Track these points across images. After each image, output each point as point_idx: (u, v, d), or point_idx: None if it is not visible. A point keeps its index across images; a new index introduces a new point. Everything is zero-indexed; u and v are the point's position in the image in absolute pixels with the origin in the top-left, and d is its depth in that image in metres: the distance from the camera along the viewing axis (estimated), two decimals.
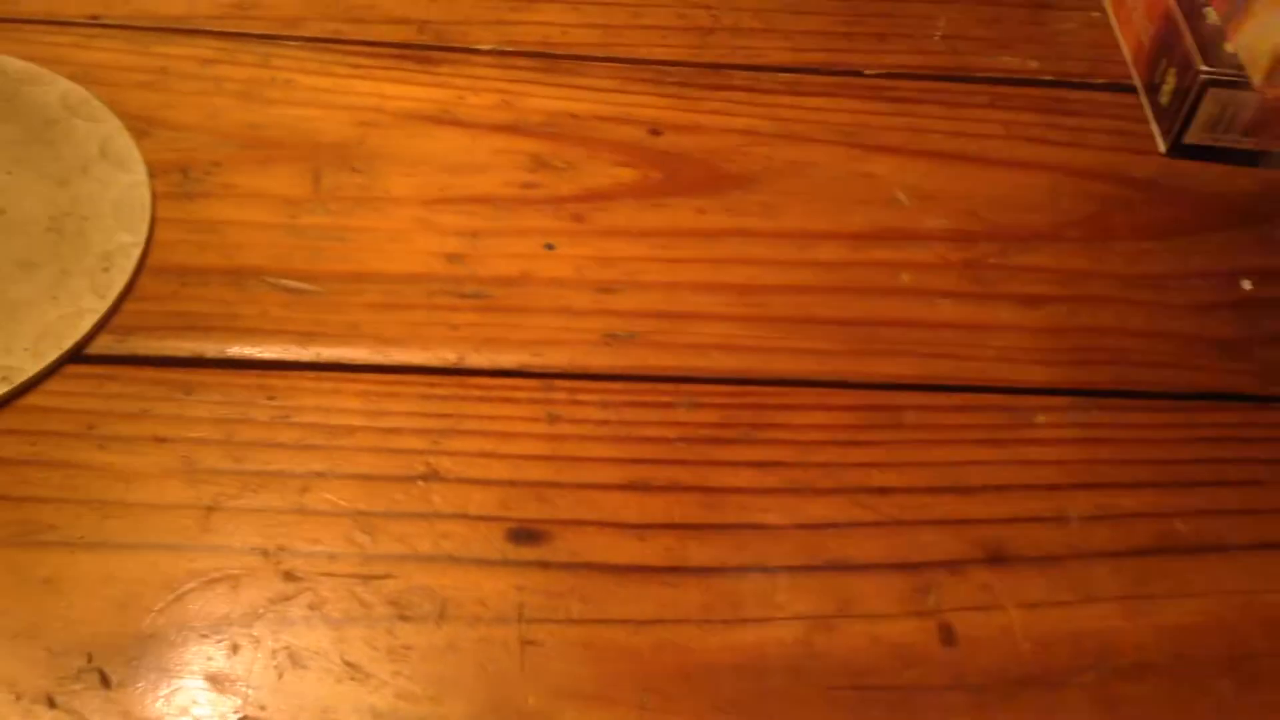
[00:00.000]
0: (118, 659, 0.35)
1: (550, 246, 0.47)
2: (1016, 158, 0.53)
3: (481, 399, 0.42)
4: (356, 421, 0.41)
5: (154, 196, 0.46)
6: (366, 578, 0.37)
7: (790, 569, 0.39)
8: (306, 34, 0.53)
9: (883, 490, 0.41)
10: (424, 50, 0.53)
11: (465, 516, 0.39)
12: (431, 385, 0.42)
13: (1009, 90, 0.56)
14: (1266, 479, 0.43)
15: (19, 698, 0.34)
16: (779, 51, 0.56)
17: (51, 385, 0.40)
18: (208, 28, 0.52)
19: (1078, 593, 0.39)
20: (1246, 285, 0.48)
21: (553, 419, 0.42)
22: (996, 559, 0.40)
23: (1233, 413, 0.44)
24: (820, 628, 0.38)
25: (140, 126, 0.48)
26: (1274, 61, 0.49)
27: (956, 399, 0.44)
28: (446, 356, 0.43)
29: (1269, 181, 0.52)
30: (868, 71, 0.56)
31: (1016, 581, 0.39)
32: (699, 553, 0.39)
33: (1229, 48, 0.51)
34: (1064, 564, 0.40)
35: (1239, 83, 0.51)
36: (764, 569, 0.39)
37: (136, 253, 0.43)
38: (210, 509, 0.38)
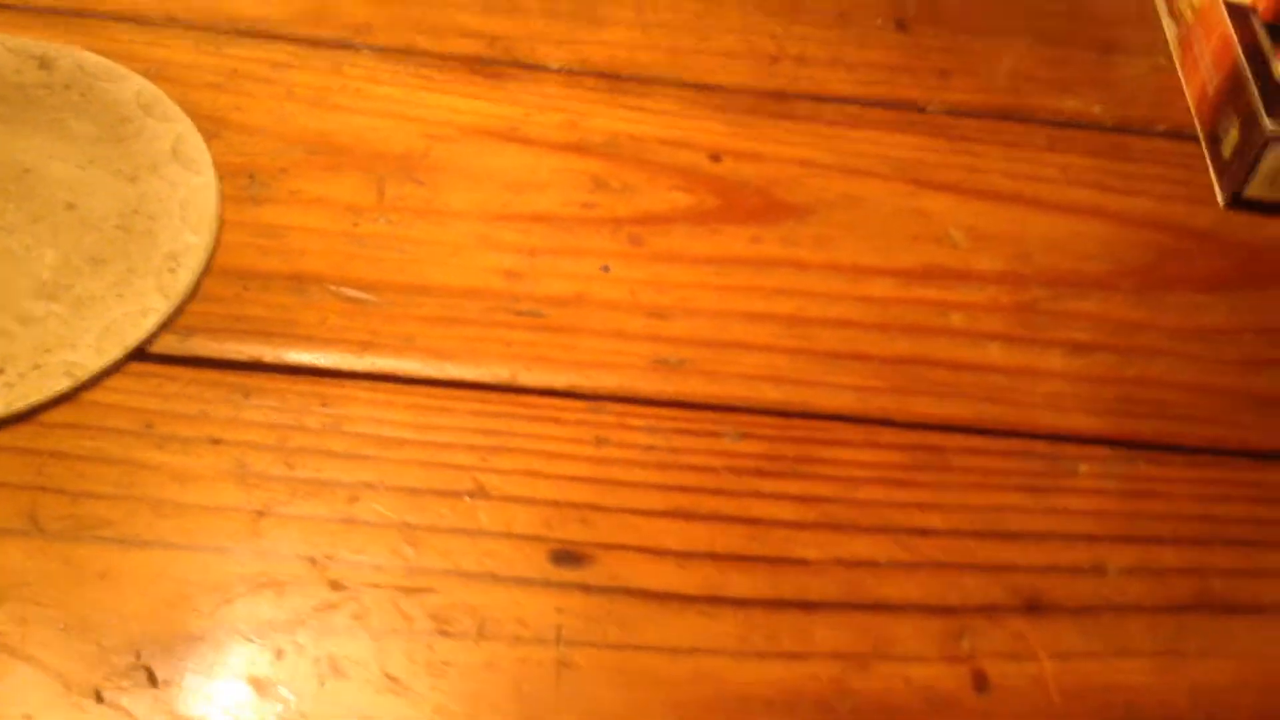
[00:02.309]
0: (165, 658, 0.36)
1: (606, 268, 0.47)
2: (1073, 202, 0.53)
3: (531, 418, 0.42)
4: (407, 434, 0.41)
5: (221, 198, 0.46)
6: (410, 590, 0.38)
7: (828, 605, 0.39)
8: (378, 43, 0.53)
9: (924, 531, 0.41)
10: (494, 65, 0.54)
11: (509, 535, 0.39)
12: (483, 401, 0.43)
13: (1070, 133, 0.56)
14: None
15: (69, 689, 0.35)
16: (842, 83, 0.56)
17: (113, 382, 0.41)
18: (281, 31, 0.53)
19: (1111, 646, 0.39)
20: None
21: (600, 442, 0.42)
22: (1033, 607, 0.40)
23: (1276, 473, 0.44)
24: (855, 667, 0.38)
25: (210, 128, 0.49)
26: None
27: (1001, 444, 0.44)
28: (499, 373, 0.43)
29: None
30: (929, 108, 0.56)
31: (1051, 631, 0.39)
32: (738, 583, 0.39)
33: None
34: (1099, 615, 0.40)
35: None
36: (802, 604, 0.39)
37: (202, 254, 0.44)
38: (260, 514, 0.39)
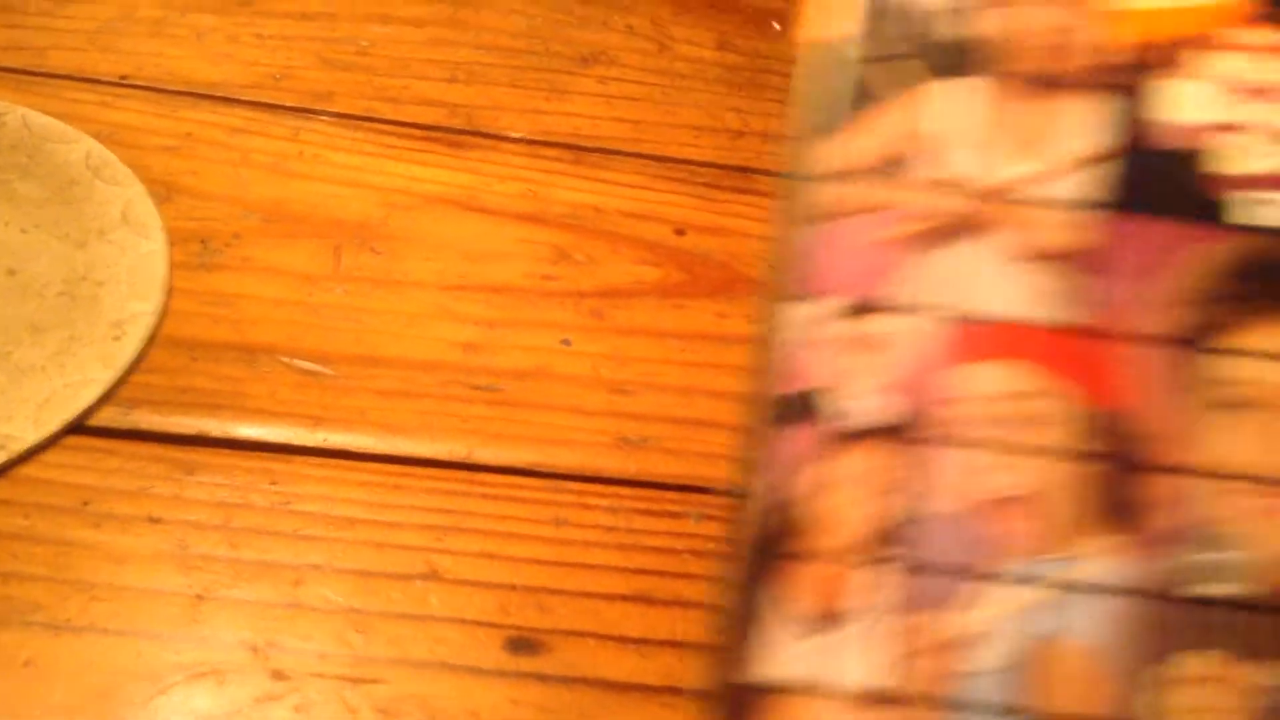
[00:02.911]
0: None
1: (567, 342, 0.46)
2: None
3: (488, 496, 0.41)
4: (358, 513, 0.40)
5: (171, 265, 0.45)
6: (356, 681, 0.36)
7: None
8: (338, 109, 0.52)
9: None
10: (455, 134, 0.53)
11: (463, 621, 0.38)
12: (437, 479, 0.41)
13: None
14: None
15: None
16: None
17: (50, 456, 0.39)
18: (238, 96, 0.52)
19: None
20: None
21: (559, 522, 0.41)
22: None
23: None
24: None
25: (162, 192, 0.48)
26: None
27: None
28: (455, 450, 0.42)
29: None
30: None
31: None
32: (701, 673, 0.38)
33: None
34: None
35: None
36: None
37: (149, 323, 0.43)
38: (201, 597, 0.37)
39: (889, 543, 0.23)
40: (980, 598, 0.24)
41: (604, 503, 0.42)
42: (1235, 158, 0.25)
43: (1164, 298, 0.24)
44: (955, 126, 0.25)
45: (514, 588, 0.39)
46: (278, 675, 0.36)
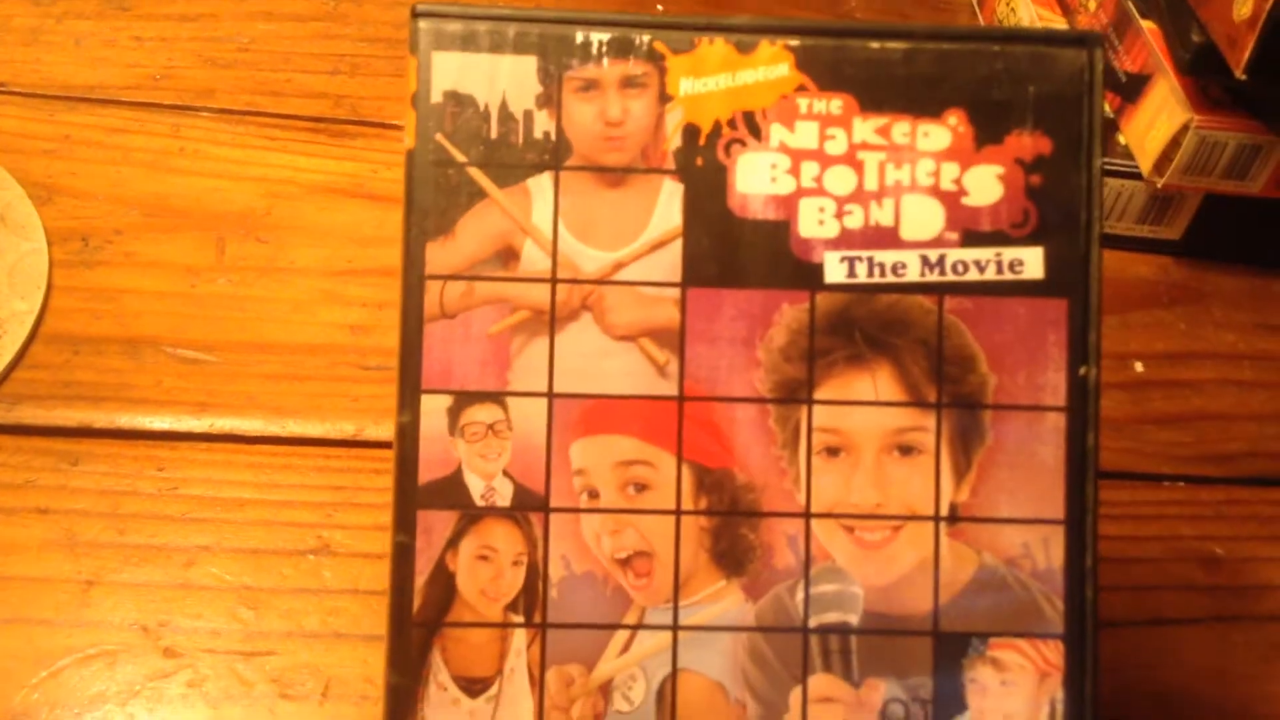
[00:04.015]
0: None
1: None
2: None
3: (378, 471, 0.41)
4: (248, 494, 0.40)
5: (51, 264, 0.45)
6: (250, 654, 0.36)
7: None
8: (219, 105, 0.53)
9: None
10: (339, 124, 0.53)
11: (355, 591, 0.38)
12: (327, 457, 0.42)
13: None
14: (1155, 557, 0.43)
15: None
16: None
17: None
18: (117, 98, 0.52)
19: None
20: (1138, 368, 0.49)
21: None
22: None
23: (1124, 491, 0.45)
24: None
25: (42, 194, 0.48)
26: (1160, 152, 0.50)
27: None
28: (345, 429, 0.42)
29: (1162, 267, 0.54)
30: None
31: None
32: None
33: (1121, 139, 0.53)
34: None
35: (1130, 173, 0.52)
36: None
37: (30, 320, 0.43)
38: (90, 583, 0.37)
39: (531, 607, 0.26)
40: (616, 646, 0.28)
41: None
42: (816, 221, 0.28)
43: (761, 360, 0.28)
44: (548, 220, 0.28)
45: None
46: (169, 653, 0.36)
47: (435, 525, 0.28)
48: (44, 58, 0.53)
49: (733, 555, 0.28)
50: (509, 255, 0.28)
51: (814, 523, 0.28)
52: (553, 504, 0.28)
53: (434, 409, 0.28)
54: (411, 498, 0.28)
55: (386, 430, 0.42)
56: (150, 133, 0.51)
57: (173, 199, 0.49)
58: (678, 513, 0.28)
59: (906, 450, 0.28)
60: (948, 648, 0.28)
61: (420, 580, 0.28)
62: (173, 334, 0.44)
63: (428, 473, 0.28)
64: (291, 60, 0.56)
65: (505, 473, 0.28)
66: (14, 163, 0.49)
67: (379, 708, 0.35)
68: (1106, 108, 0.54)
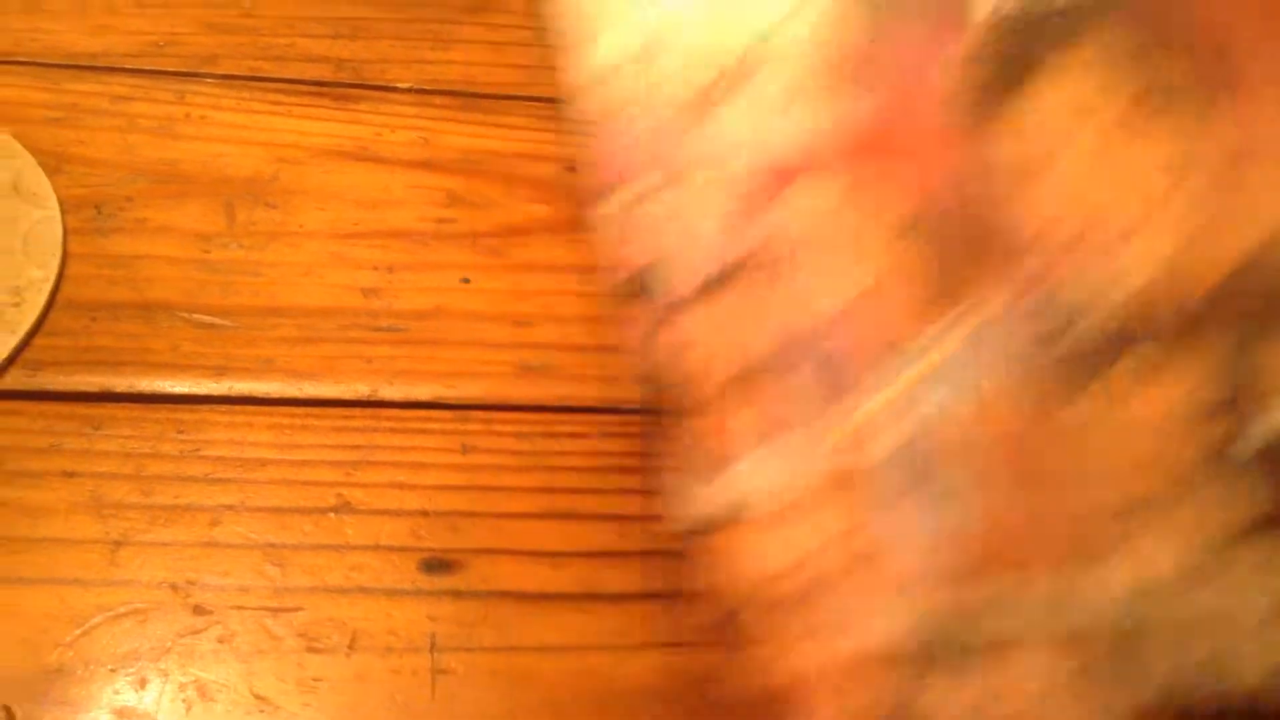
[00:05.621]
0: (25, 695, 0.34)
1: (466, 280, 0.47)
2: None
3: (395, 430, 0.42)
4: (268, 454, 0.41)
5: (66, 231, 0.45)
6: (276, 610, 0.37)
7: (702, 593, 0.40)
8: (223, 71, 0.53)
9: None
10: (343, 88, 0.54)
11: (377, 547, 0.39)
12: (345, 418, 0.42)
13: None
14: None
15: None
16: None
17: None
18: (121, 65, 0.52)
19: None
20: None
21: (467, 450, 0.42)
22: None
23: None
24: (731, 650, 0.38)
25: (52, 163, 0.48)
26: None
27: None
28: (360, 389, 0.43)
29: None
30: None
31: None
32: (612, 579, 0.39)
33: None
34: None
35: None
36: (676, 594, 0.39)
37: (47, 288, 0.43)
38: (119, 543, 0.38)
39: (766, 371, 0.24)
40: (867, 391, 0.24)
41: (510, 428, 0.43)
42: None
43: (939, 85, 0.24)
44: (688, 6, 0.25)
45: (426, 513, 0.40)
46: (199, 610, 0.37)
47: (644, 316, 0.22)
48: (45, 25, 0.53)
49: (970, 275, 0.23)
50: (656, 47, 0.23)
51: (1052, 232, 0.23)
52: (760, 270, 0.22)
53: (619, 203, 0.23)
54: (618, 295, 0.22)
55: (401, 390, 0.43)
56: (155, 100, 0.51)
57: (181, 165, 0.49)
58: (899, 242, 0.23)
59: None
60: None
61: (646, 373, 0.22)
62: (188, 299, 0.44)
63: (625, 267, 0.22)
64: (293, 25, 0.56)
65: (703, 250, 0.22)
66: (21, 131, 0.49)
67: (403, 659, 0.37)
68: None
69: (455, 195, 0.50)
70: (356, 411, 0.42)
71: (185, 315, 0.44)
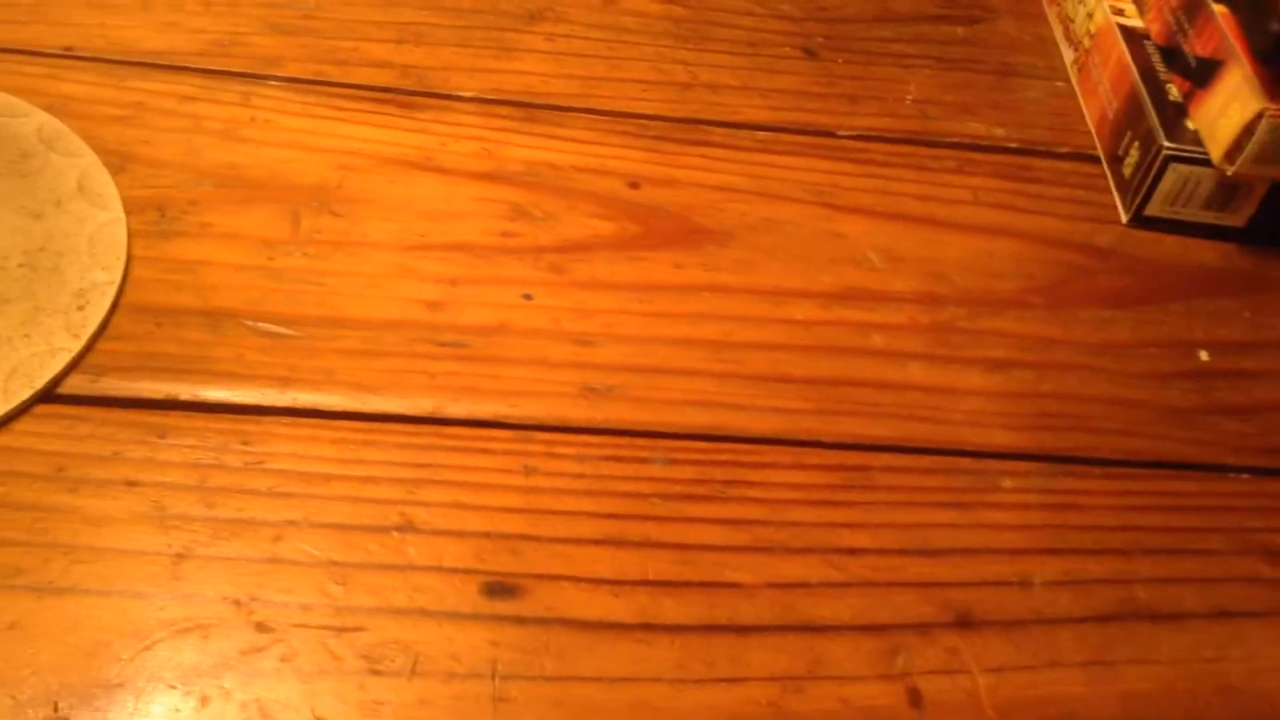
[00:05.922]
0: (85, 709, 0.34)
1: (528, 296, 0.47)
2: (983, 223, 0.54)
3: (458, 449, 0.42)
4: (332, 469, 0.40)
5: (130, 234, 0.45)
6: (339, 630, 0.37)
7: (762, 628, 0.39)
8: (287, 74, 0.53)
9: (853, 551, 0.42)
10: (406, 95, 0.53)
11: (440, 569, 0.39)
12: (408, 434, 0.42)
13: (976, 156, 0.57)
14: (1221, 549, 0.44)
15: None
16: (754, 109, 0.57)
17: (22, 425, 0.40)
18: (186, 64, 0.52)
19: (1041, 658, 0.40)
20: (1203, 356, 0.49)
21: (529, 471, 0.42)
22: (964, 623, 0.40)
23: (1191, 482, 0.45)
24: (791, 689, 0.38)
25: (116, 162, 0.48)
26: (1232, 140, 0.50)
27: (925, 461, 0.45)
28: (424, 405, 0.43)
29: (1226, 254, 0.54)
30: (840, 133, 0.57)
31: (982, 646, 0.40)
32: (672, 610, 0.39)
33: (1190, 124, 0.53)
34: (1028, 629, 0.40)
35: (1199, 159, 0.52)
36: (737, 628, 0.39)
37: (112, 291, 0.43)
38: (181, 556, 0.38)
39: None
40: None
41: (572, 451, 0.43)
42: None
43: None
44: None
45: (488, 535, 0.40)
46: (261, 627, 0.37)
47: None
48: (110, 21, 0.53)
49: None
50: None
51: None
52: None
53: None
54: None
55: (464, 407, 0.43)
56: (220, 101, 0.51)
57: (246, 169, 0.49)
58: None
59: None
60: None
61: None
62: (252, 307, 0.44)
63: None
64: (356, 29, 0.55)
65: None
66: (87, 129, 0.49)
67: (465, 685, 0.36)
68: (1175, 92, 0.54)
69: (518, 208, 0.50)
70: (420, 428, 0.42)
71: (250, 323, 0.44)
